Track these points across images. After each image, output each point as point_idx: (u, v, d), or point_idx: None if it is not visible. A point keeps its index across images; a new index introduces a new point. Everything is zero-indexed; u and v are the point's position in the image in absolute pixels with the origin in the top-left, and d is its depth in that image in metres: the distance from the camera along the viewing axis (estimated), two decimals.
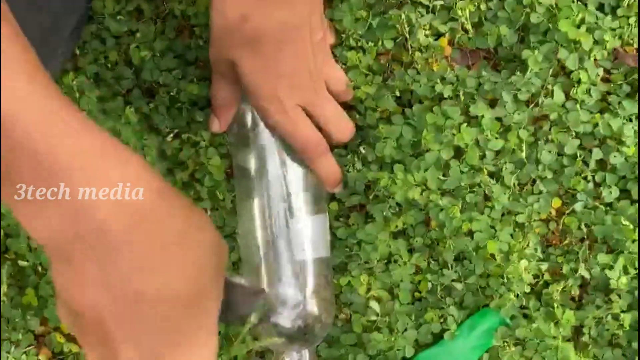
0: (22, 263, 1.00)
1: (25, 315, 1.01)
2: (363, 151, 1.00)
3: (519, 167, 0.98)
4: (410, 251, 0.99)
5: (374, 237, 0.98)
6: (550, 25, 0.99)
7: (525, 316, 0.98)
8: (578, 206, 0.98)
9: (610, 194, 0.98)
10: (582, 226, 0.98)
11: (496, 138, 0.98)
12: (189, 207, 0.67)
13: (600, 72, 0.99)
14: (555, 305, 0.96)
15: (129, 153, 0.64)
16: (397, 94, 1.00)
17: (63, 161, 0.62)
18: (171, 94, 1.02)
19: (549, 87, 0.99)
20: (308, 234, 0.97)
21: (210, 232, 0.67)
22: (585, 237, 0.98)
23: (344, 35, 1.01)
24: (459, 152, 0.98)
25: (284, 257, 0.96)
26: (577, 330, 0.98)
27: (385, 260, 0.99)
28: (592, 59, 0.99)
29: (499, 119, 0.98)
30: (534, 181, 0.99)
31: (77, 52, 1.03)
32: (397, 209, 0.98)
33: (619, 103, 0.98)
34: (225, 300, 0.70)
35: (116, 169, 0.63)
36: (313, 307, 0.96)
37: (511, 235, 0.97)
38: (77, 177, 0.62)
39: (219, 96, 0.98)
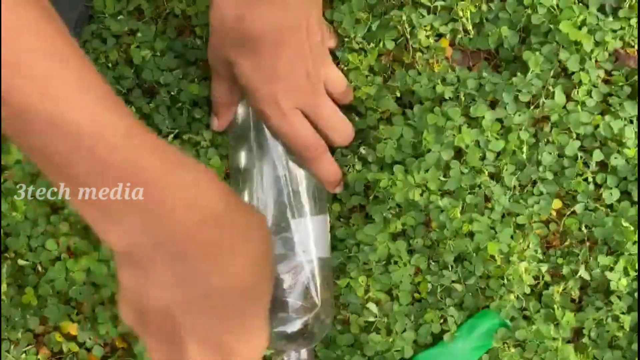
0: (21, 262, 1.00)
1: (24, 314, 1.01)
2: (363, 152, 1.00)
3: (520, 168, 0.98)
4: (410, 252, 0.99)
5: (373, 238, 0.98)
6: (551, 26, 0.99)
7: (525, 317, 0.97)
8: (578, 208, 0.98)
9: (611, 195, 0.98)
10: (583, 228, 0.98)
11: (497, 139, 0.98)
12: (248, 207, 0.75)
13: (601, 73, 0.99)
14: (556, 306, 0.96)
15: (196, 161, 0.69)
16: (398, 94, 1.00)
17: (149, 169, 0.66)
18: (172, 93, 1.02)
19: (550, 88, 0.99)
20: (309, 235, 0.97)
21: (265, 230, 0.74)
22: (586, 238, 0.98)
23: (345, 37, 1.01)
24: (459, 153, 0.98)
25: (283, 258, 0.96)
26: (577, 332, 0.98)
27: (385, 262, 0.98)
28: (593, 60, 0.99)
29: (499, 120, 0.98)
30: (534, 182, 0.99)
31: None
32: (397, 210, 0.98)
33: (620, 104, 0.98)
34: None
35: (189, 175, 0.68)
36: (313, 308, 0.96)
37: (511, 236, 0.97)
38: (160, 184, 0.66)
39: (218, 95, 0.99)
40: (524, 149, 0.98)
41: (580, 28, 0.98)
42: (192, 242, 0.68)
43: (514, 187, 0.98)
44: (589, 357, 0.97)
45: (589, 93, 0.99)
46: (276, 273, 0.77)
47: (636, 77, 0.99)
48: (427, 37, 1.00)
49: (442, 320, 0.98)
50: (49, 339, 1.01)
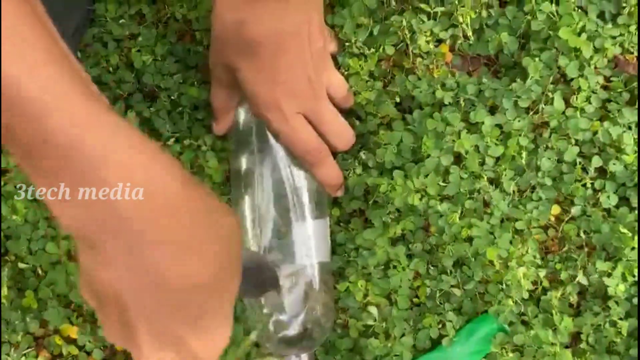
0: (22, 265, 1.00)
1: (24, 317, 1.01)
2: (363, 156, 1.00)
3: (519, 173, 0.98)
4: (409, 257, 0.99)
5: (372, 242, 0.98)
6: (550, 32, 0.99)
7: (523, 322, 0.98)
8: (577, 213, 0.98)
9: (609, 201, 0.98)
10: (581, 233, 0.98)
11: (496, 145, 0.98)
12: (210, 194, 0.69)
13: (600, 79, 1.00)
14: (554, 311, 0.96)
15: (156, 146, 0.65)
16: (398, 99, 1.00)
17: (95, 155, 0.62)
18: (172, 98, 1.02)
19: (549, 94, 0.99)
20: (309, 238, 0.97)
21: (230, 217, 0.70)
22: (584, 244, 0.98)
23: (345, 42, 1.01)
24: (458, 159, 0.98)
25: (283, 261, 0.96)
26: (575, 337, 0.98)
27: (384, 266, 0.99)
28: (592, 66, 0.99)
29: (499, 126, 0.99)
30: (533, 188, 0.99)
31: (79, 55, 1.03)
32: (396, 215, 0.99)
33: (619, 111, 0.98)
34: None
35: (143, 156, 0.64)
36: (313, 311, 0.96)
37: (510, 241, 0.97)
38: (110, 171, 0.63)
39: (217, 100, 0.99)
40: (523, 155, 0.98)
41: (579, 34, 0.98)
42: (143, 228, 0.64)
43: (513, 192, 0.98)
44: None
45: (588, 99, 0.99)
46: (241, 270, 0.73)
47: (635, 84, 0.99)
48: (427, 42, 1.00)
49: (440, 325, 0.98)
50: (49, 342, 1.01)
